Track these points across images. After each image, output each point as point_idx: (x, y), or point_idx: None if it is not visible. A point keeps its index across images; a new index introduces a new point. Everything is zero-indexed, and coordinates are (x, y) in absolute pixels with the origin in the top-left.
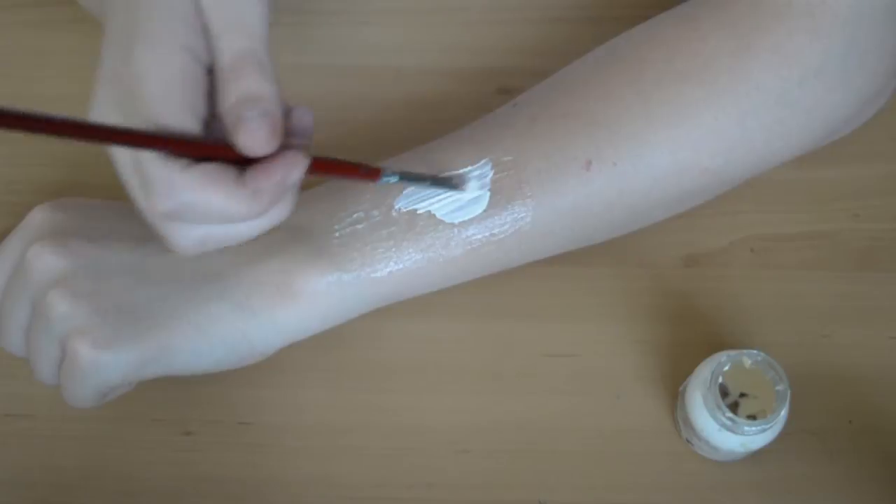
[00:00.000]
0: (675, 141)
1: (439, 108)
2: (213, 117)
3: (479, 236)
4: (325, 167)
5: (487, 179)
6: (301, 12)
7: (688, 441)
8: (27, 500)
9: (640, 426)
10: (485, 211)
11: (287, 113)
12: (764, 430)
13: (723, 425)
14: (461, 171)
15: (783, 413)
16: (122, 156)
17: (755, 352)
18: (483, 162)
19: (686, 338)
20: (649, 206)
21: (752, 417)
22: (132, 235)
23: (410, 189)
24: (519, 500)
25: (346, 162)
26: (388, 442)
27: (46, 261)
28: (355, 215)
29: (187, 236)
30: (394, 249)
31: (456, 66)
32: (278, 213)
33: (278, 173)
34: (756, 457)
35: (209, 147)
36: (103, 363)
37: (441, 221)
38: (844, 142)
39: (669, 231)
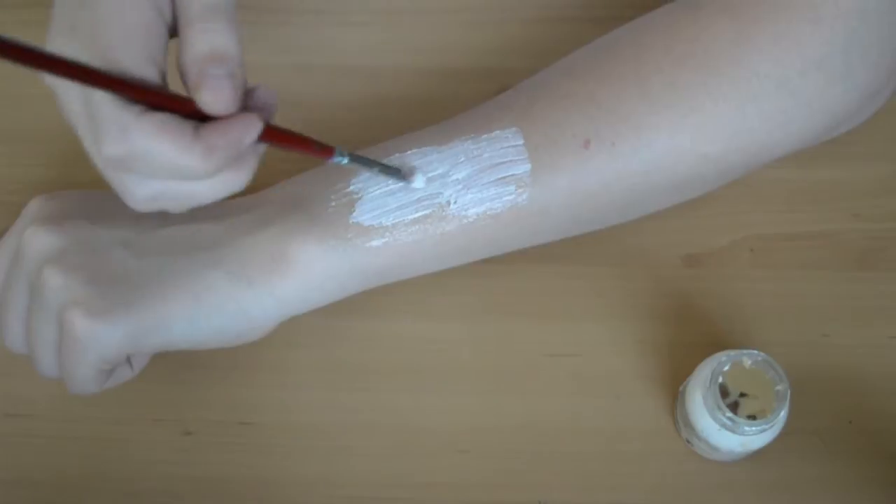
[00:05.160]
0: (674, 124)
1: (439, 108)
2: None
3: (475, 210)
4: (280, 137)
5: (435, 174)
6: (301, 12)
7: (688, 441)
8: (28, 500)
9: (640, 426)
10: (482, 184)
11: (249, 91)
12: (764, 430)
13: (723, 425)
14: (412, 163)
15: (783, 413)
16: (72, 97)
17: (755, 352)
18: (439, 148)
19: (686, 338)
20: (648, 191)
21: (752, 417)
22: (126, 216)
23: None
24: (519, 500)
25: (301, 135)
26: (388, 442)
27: (41, 240)
28: (351, 187)
29: (140, 189)
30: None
31: (456, 66)
32: (234, 180)
33: (234, 131)
34: (756, 457)
35: (168, 98)
36: (99, 333)
37: (438, 194)
38: (844, 142)
39: (669, 231)
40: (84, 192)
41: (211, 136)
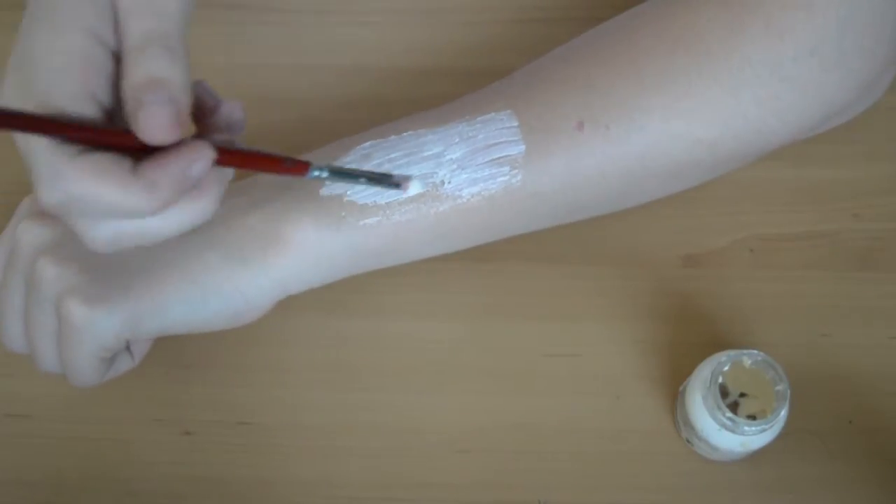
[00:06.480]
0: (668, 108)
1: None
2: (118, 108)
3: (469, 190)
4: (242, 160)
5: (430, 153)
6: (300, 12)
7: (688, 441)
8: (27, 501)
9: (640, 426)
10: (477, 165)
11: (215, 108)
12: (764, 430)
13: (723, 425)
14: (404, 174)
15: (783, 413)
16: (19, 143)
17: (755, 352)
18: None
19: (686, 338)
20: (644, 176)
21: (752, 417)
22: None
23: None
24: (519, 500)
25: (268, 154)
26: (388, 442)
27: (33, 232)
28: (346, 167)
29: (97, 233)
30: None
31: (456, 66)
32: (196, 210)
33: (176, 164)
34: (756, 457)
35: (105, 133)
36: (97, 319)
37: (433, 173)
38: (844, 141)
39: (669, 231)
40: None
41: (151, 171)
